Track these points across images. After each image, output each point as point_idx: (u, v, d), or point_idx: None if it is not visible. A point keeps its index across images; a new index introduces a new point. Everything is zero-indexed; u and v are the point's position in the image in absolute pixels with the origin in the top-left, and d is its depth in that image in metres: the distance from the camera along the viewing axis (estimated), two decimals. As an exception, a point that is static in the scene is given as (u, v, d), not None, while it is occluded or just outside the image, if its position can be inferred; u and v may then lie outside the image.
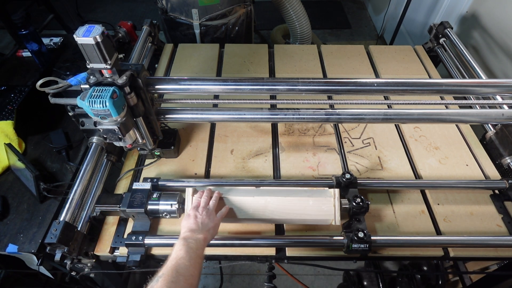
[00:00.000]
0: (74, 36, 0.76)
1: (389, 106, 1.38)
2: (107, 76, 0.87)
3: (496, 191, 1.16)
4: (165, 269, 0.70)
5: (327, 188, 1.03)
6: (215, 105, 1.40)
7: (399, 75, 1.62)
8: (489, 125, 1.36)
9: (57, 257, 0.90)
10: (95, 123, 0.90)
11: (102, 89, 0.84)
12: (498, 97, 1.22)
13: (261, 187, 1.05)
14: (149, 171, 1.22)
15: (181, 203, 1.01)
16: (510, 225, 1.08)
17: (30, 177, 1.09)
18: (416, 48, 1.80)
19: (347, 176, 1.04)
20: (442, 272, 1.48)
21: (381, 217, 1.09)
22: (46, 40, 1.73)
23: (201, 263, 0.76)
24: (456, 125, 1.40)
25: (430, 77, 1.62)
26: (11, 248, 1.01)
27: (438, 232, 1.07)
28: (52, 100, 0.95)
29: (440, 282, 1.44)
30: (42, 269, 1.12)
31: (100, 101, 0.82)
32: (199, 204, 0.92)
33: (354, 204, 0.98)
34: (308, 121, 1.12)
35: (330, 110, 1.11)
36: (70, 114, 1.02)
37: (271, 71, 1.66)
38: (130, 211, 0.98)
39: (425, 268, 1.47)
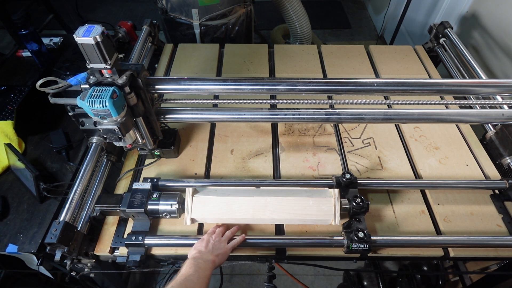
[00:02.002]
0: (74, 36, 0.76)
1: (389, 106, 1.38)
2: (107, 76, 0.87)
3: (496, 191, 1.16)
4: (174, 283, 0.76)
5: (327, 188, 1.03)
6: (215, 105, 1.40)
7: (399, 75, 1.62)
8: (489, 125, 1.36)
9: (57, 257, 0.90)
10: (95, 123, 0.90)
11: (102, 89, 0.84)
12: (498, 97, 1.22)
13: (261, 187, 1.05)
14: (149, 171, 1.22)
15: (181, 203, 1.01)
16: (510, 225, 1.08)
17: (30, 177, 1.09)
18: (416, 48, 1.80)
19: (347, 176, 1.04)
20: (442, 272, 1.48)
21: (381, 217, 1.09)
22: (46, 40, 1.73)
23: (208, 283, 0.81)
24: (456, 125, 1.40)
25: (430, 77, 1.62)
26: (11, 248, 1.01)
27: (438, 232, 1.07)
28: (52, 100, 0.95)
29: (440, 282, 1.44)
30: (42, 269, 1.12)
31: (100, 101, 0.82)
32: (214, 231, 0.96)
33: (354, 204, 0.98)
34: (308, 121, 1.12)
35: (330, 110, 1.11)
36: (70, 114, 1.02)
37: (271, 71, 1.66)
38: (130, 211, 0.98)
39: (425, 268, 1.47)
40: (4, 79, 1.59)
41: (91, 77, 0.87)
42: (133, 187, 1.03)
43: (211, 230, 0.98)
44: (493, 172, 1.23)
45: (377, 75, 1.63)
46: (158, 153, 1.22)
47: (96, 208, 1.03)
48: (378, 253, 1.02)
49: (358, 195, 1.00)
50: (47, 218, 1.09)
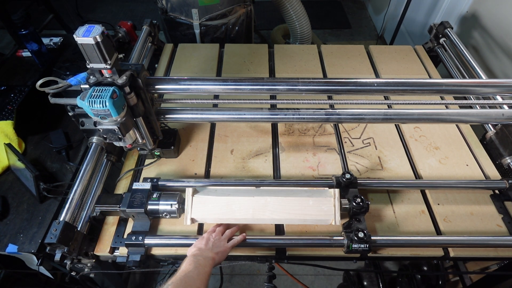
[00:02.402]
0: (74, 36, 0.76)
1: (389, 106, 1.38)
2: (107, 76, 0.86)
3: (496, 191, 1.16)
4: (174, 279, 0.75)
5: (327, 188, 1.03)
6: (215, 105, 1.40)
7: (399, 75, 1.62)
8: (489, 125, 1.36)
9: (57, 257, 0.90)
10: (95, 123, 0.90)
11: (102, 89, 0.84)
12: (498, 97, 1.22)
13: (261, 187, 1.05)
14: (149, 171, 1.22)
15: (181, 203, 1.01)
16: (510, 225, 1.08)
17: (30, 177, 1.09)
18: (416, 48, 1.80)
19: (347, 176, 1.04)
20: (442, 272, 1.48)
21: (381, 217, 1.09)
22: (46, 40, 1.73)
23: (208, 280, 0.80)
24: (456, 125, 1.40)
25: (430, 77, 1.62)
26: (11, 248, 1.01)
27: (438, 232, 1.07)
28: (52, 100, 0.95)
29: (440, 282, 1.44)
30: (42, 269, 1.12)
31: (100, 101, 0.82)
32: (214, 230, 0.97)
33: (354, 204, 0.98)
34: (308, 121, 1.12)
35: (330, 110, 1.11)
36: (70, 114, 1.02)
37: (271, 71, 1.66)
38: (130, 211, 0.98)
39: (425, 268, 1.47)
40: (4, 79, 1.59)
41: (91, 77, 0.87)
42: (133, 187, 1.03)
43: (211, 229, 0.98)
44: (493, 172, 1.23)
45: (377, 75, 1.63)
46: (158, 153, 1.22)
47: (96, 208, 1.02)
48: (378, 253, 1.02)
49: (358, 195, 1.00)
50: (47, 218, 1.09)
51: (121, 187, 1.18)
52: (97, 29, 0.78)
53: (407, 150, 1.30)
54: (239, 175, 1.20)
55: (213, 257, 0.86)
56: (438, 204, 1.13)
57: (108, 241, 1.03)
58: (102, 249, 1.01)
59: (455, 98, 1.36)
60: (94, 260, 1.02)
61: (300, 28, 2.67)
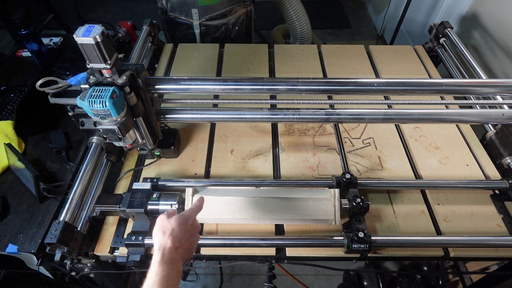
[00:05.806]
0: (74, 36, 0.76)
1: (389, 106, 1.38)
2: (107, 76, 0.86)
3: (497, 191, 1.16)
4: None
5: (327, 188, 1.03)
6: (215, 105, 1.40)
7: (399, 75, 1.62)
8: (489, 125, 1.36)
9: (57, 257, 0.90)
10: (95, 123, 0.90)
11: (102, 89, 0.83)
12: (498, 97, 1.21)
13: (261, 187, 1.05)
14: (149, 171, 1.22)
15: (181, 203, 1.01)
16: (511, 225, 1.07)
17: (30, 177, 1.08)
18: (416, 48, 1.80)
19: (347, 176, 1.04)
20: (442, 272, 1.48)
21: (381, 217, 1.09)
22: (46, 40, 1.72)
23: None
24: (456, 125, 1.40)
25: (430, 77, 1.62)
26: (11, 248, 1.01)
27: (438, 232, 1.07)
28: (52, 100, 0.95)
29: (440, 282, 1.44)
30: (42, 269, 1.12)
31: (100, 101, 0.82)
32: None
33: (354, 204, 0.98)
34: (308, 121, 1.12)
35: (330, 110, 1.10)
36: (70, 114, 1.02)
37: (271, 71, 1.66)
38: (130, 211, 0.98)
39: (425, 268, 1.47)
40: (4, 79, 1.58)
41: (91, 77, 0.87)
42: (133, 187, 1.03)
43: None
44: (493, 172, 1.23)
45: (377, 75, 1.63)
46: (158, 153, 1.21)
47: (96, 208, 1.02)
48: (378, 253, 1.02)
49: (358, 195, 1.00)
50: (47, 218, 1.09)
51: (121, 187, 1.18)
52: (97, 29, 0.77)
53: (407, 150, 1.30)
54: (239, 175, 1.20)
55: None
56: (438, 204, 1.13)
57: (108, 241, 1.03)
58: (102, 249, 1.01)
59: (455, 98, 1.36)
60: (94, 260, 1.02)
61: (300, 28, 2.67)
